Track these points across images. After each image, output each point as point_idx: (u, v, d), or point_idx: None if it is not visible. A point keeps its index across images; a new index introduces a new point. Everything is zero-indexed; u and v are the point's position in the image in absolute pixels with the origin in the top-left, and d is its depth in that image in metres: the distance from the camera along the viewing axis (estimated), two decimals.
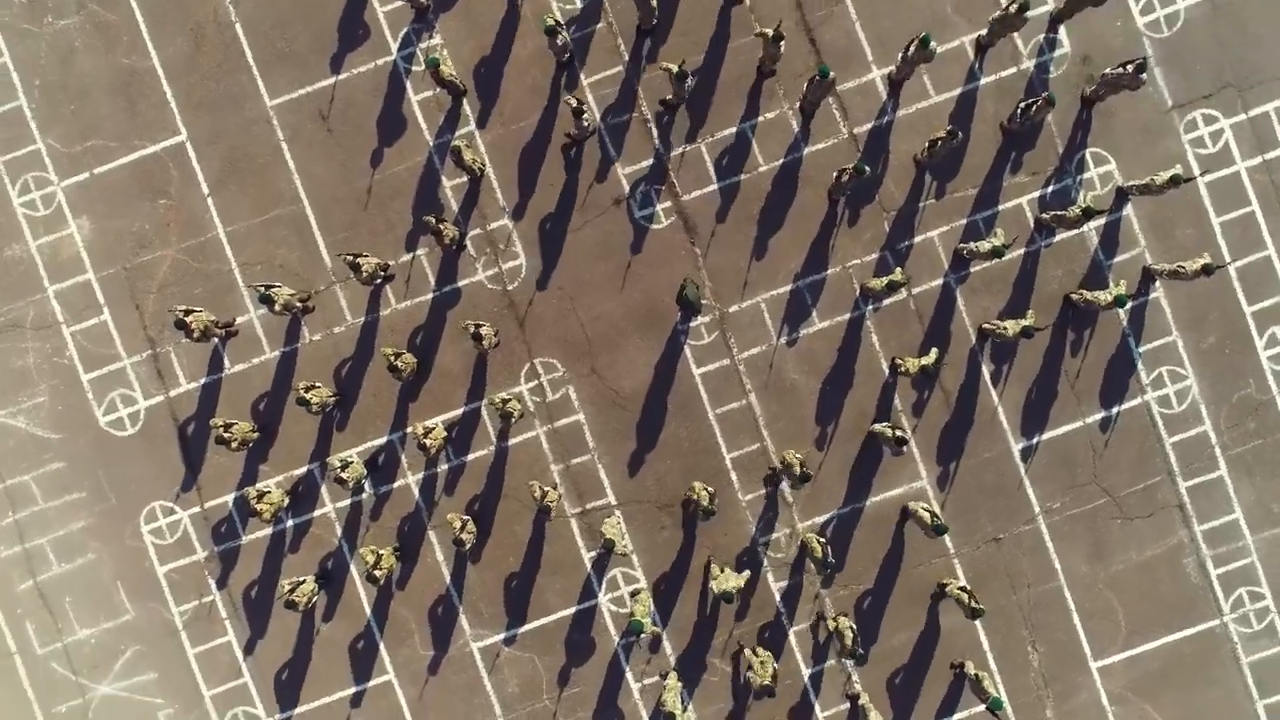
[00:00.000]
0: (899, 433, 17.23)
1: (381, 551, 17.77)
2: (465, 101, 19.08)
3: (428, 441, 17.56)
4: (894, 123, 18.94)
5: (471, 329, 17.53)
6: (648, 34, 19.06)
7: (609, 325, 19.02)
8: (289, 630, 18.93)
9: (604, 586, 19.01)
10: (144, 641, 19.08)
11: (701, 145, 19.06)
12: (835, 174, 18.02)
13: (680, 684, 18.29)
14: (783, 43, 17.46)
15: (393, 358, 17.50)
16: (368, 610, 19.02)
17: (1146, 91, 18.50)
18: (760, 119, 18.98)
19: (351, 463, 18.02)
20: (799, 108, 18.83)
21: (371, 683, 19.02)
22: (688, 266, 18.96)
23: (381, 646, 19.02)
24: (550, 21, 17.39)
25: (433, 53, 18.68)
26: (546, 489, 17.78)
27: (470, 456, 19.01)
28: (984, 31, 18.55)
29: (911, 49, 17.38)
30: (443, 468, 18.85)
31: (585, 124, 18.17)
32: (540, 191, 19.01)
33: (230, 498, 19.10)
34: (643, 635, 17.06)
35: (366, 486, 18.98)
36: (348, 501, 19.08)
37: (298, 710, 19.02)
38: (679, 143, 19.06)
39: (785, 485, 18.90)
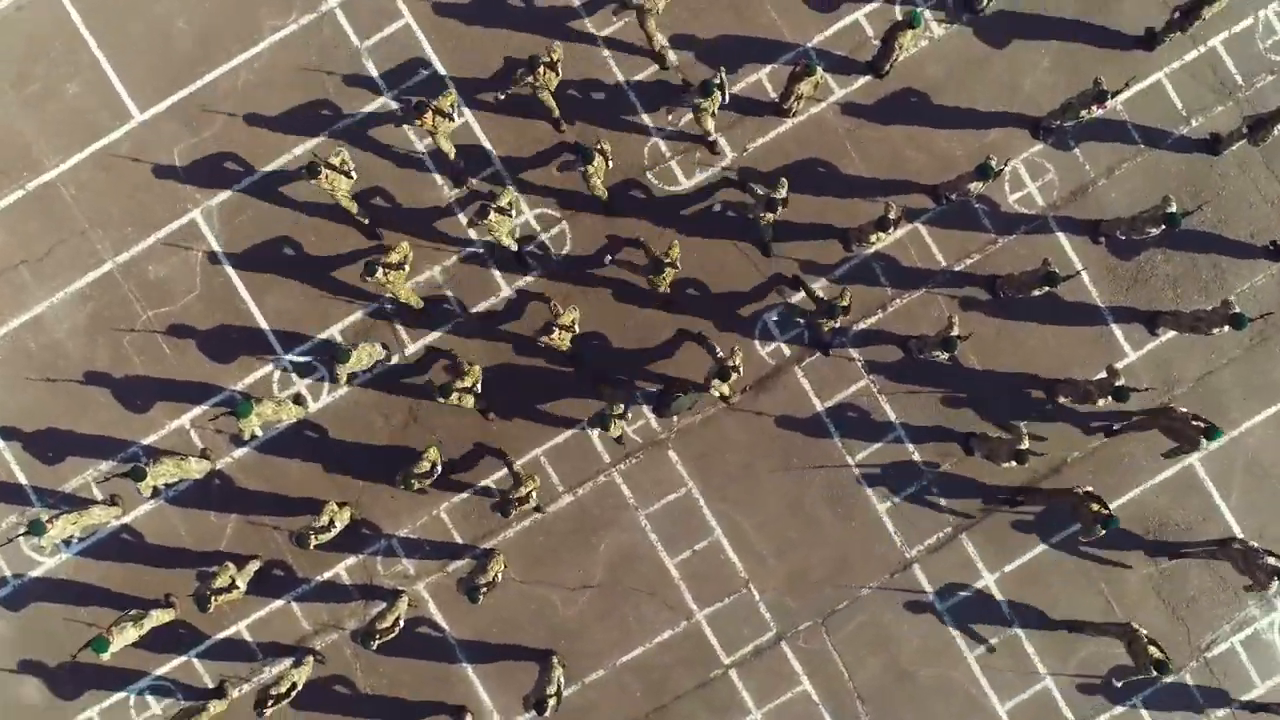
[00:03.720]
0: (555, 691, 13.96)
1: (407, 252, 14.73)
2: (838, 79, 15.71)
3: (556, 331, 14.16)
4: None
5: (601, 144, 14.37)
6: (993, 295, 15.32)
7: (636, 307, 15.61)
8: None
9: (285, 348, 15.72)
10: None
11: (871, 384, 15.37)
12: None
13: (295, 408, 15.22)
14: None
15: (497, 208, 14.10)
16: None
17: None
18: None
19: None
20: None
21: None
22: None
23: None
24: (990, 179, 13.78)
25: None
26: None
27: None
28: None
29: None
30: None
31: (871, 241, 14.52)
32: (791, 194, 14.56)
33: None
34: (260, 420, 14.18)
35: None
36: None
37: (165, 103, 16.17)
38: (867, 353, 15.48)
39: (464, 562, 15.47)
